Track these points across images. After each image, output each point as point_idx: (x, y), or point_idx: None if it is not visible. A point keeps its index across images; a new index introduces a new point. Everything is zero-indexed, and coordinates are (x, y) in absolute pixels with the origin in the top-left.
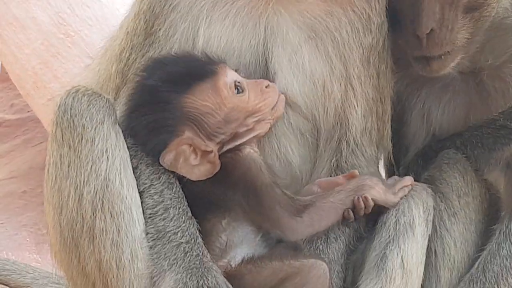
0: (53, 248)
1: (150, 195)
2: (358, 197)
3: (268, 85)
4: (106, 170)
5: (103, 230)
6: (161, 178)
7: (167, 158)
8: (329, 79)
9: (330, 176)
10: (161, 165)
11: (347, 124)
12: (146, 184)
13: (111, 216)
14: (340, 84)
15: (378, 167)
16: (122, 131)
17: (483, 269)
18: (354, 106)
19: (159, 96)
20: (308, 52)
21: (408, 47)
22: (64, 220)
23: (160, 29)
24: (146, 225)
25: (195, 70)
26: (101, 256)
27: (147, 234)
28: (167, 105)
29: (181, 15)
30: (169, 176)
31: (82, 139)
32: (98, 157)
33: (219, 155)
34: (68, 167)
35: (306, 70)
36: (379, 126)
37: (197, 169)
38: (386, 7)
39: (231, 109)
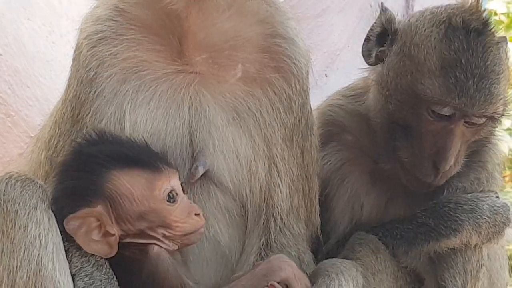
0: None
1: (81, 278)
2: (269, 285)
3: (198, 214)
4: (38, 255)
5: None
6: (90, 261)
7: (71, 223)
8: (253, 159)
9: (260, 255)
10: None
11: (273, 203)
12: (77, 266)
13: None
14: (264, 164)
15: (308, 244)
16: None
17: None
18: (279, 185)
19: (90, 165)
20: (232, 132)
21: (419, 172)
22: None
23: (86, 116)
24: None
25: (143, 157)
26: None
27: None
28: (93, 176)
29: (107, 100)
30: (98, 258)
31: (15, 224)
32: (31, 242)
33: (127, 246)
34: (1, 252)
35: (232, 150)
36: (306, 203)
37: (94, 244)
38: (389, 120)
39: (152, 210)
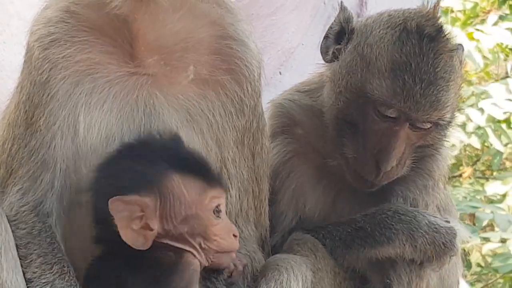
0: None
1: (40, 285)
2: None
3: (236, 236)
4: None
5: None
6: (53, 268)
7: (116, 204)
8: None
9: None
10: (54, 256)
11: None
12: (36, 273)
13: None
14: (216, 167)
15: (258, 244)
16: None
17: None
18: (229, 189)
19: (155, 157)
20: (186, 134)
21: (361, 169)
22: None
23: (40, 118)
24: None
25: (203, 167)
26: None
27: None
28: (154, 168)
29: (60, 103)
30: (63, 266)
31: None
32: None
33: (162, 247)
34: None
35: None
36: (256, 205)
37: (131, 232)
38: (337, 117)
39: (198, 216)
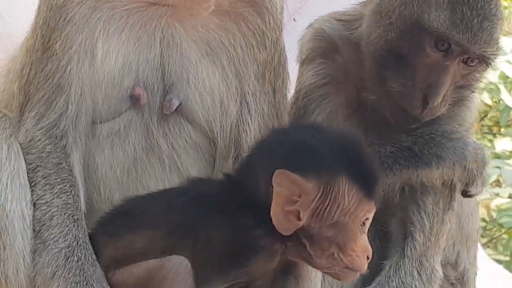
0: None
1: (39, 206)
2: None
3: (369, 259)
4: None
5: None
6: (54, 189)
7: (281, 177)
8: (226, 95)
9: None
10: (58, 176)
11: (242, 141)
12: (39, 195)
13: None
14: (236, 101)
15: None
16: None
17: None
18: (248, 123)
19: (336, 149)
20: (205, 67)
21: (407, 103)
22: None
23: (56, 42)
24: (34, 238)
25: (370, 177)
26: None
27: (36, 245)
28: (331, 160)
29: (77, 27)
30: (64, 185)
31: None
32: None
33: (297, 240)
34: None
35: (205, 86)
36: None
37: (279, 211)
38: (384, 49)
39: (347, 225)
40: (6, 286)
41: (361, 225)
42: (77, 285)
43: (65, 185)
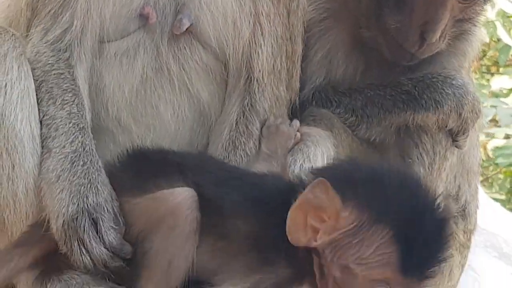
0: None
1: (45, 122)
2: None
3: None
4: (3, 105)
5: (0, 167)
6: (56, 102)
7: (321, 186)
8: (239, 16)
9: (240, 117)
10: (59, 88)
11: (253, 63)
12: (44, 111)
13: (7, 151)
14: (249, 22)
15: (287, 108)
16: None
17: None
18: (261, 45)
19: (393, 204)
20: None
21: (404, 40)
22: None
23: None
24: (42, 153)
25: (422, 256)
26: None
27: (42, 156)
28: (386, 209)
29: None
30: (66, 96)
31: None
32: None
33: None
34: None
35: (218, 6)
36: (288, 66)
37: (299, 219)
38: None
39: (357, 281)
40: (14, 206)
41: (371, 286)
42: (81, 187)
43: (67, 95)
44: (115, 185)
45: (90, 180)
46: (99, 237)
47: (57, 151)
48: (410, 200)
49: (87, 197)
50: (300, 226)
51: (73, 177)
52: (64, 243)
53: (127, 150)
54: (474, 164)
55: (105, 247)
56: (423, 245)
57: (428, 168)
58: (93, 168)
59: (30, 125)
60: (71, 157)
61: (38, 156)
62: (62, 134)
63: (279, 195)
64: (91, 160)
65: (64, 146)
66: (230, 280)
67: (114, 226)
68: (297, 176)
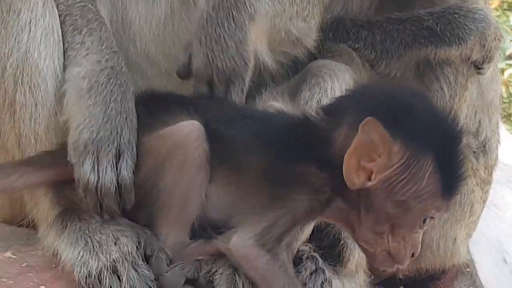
0: None
1: (71, 48)
2: None
3: (413, 257)
4: (27, 42)
5: (23, 105)
6: (82, 31)
7: (370, 125)
8: None
9: None
10: (84, 17)
11: None
12: (69, 41)
13: (30, 89)
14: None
15: None
16: None
17: None
18: None
19: (433, 133)
20: None
21: None
22: None
23: None
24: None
25: (456, 177)
26: (20, 131)
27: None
28: (428, 136)
29: None
30: (92, 25)
31: (9, 10)
32: (22, 29)
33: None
34: None
35: None
36: None
37: (353, 160)
38: None
39: (410, 212)
40: (35, 144)
41: (424, 219)
42: (118, 115)
43: (93, 24)
44: None
45: (126, 109)
46: (117, 167)
47: (90, 64)
48: (439, 123)
49: (122, 129)
50: (353, 169)
51: (110, 96)
52: (78, 154)
53: (140, 92)
54: (495, 98)
55: (116, 180)
56: (453, 165)
57: (449, 101)
58: (128, 95)
59: (54, 63)
60: (108, 72)
61: (58, 97)
62: (95, 53)
63: (292, 131)
64: (127, 84)
65: (99, 61)
66: (247, 221)
67: (133, 167)
68: (316, 111)
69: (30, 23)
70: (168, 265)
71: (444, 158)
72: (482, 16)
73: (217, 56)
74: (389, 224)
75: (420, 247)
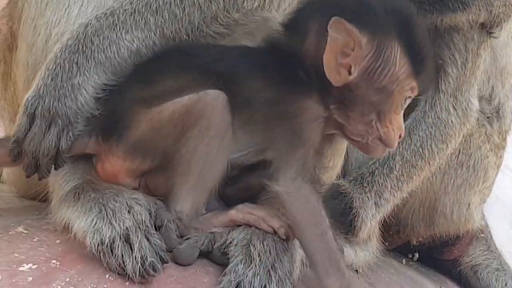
0: (17, 86)
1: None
2: None
3: (400, 138)
4: (77, 15)
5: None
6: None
7: (338, 25)
8: None
9: None
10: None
11: None
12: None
13: None
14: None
15: None
16: None
17: (409, 132)
18: None
19: (390, 17)
20: None
21: None
22: (32, 57)
23: None
24: None
25: (423, 54)
26: None
27: None
28: (387, 22)
29: None
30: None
31: None
32: (74, 2)
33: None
34: (46, 5)
35: None
36: None
37: (332, 60)
38: None
39: (391, 95)
40: None
41: (403, 99)
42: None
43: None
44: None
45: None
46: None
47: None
48: (396, 9)
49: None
50: (333, 68)
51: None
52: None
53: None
54: (508, 63)
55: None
56: (417, 44)
57: (461, 68)
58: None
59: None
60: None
61: None
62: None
63: (271, 58)
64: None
65: None
66: (282, 162)
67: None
68: (278, 31)
69: None
70: (178, 236)
71: (408, 40)
72: None
73: None
74: (375, 111)
75: (403, 126)
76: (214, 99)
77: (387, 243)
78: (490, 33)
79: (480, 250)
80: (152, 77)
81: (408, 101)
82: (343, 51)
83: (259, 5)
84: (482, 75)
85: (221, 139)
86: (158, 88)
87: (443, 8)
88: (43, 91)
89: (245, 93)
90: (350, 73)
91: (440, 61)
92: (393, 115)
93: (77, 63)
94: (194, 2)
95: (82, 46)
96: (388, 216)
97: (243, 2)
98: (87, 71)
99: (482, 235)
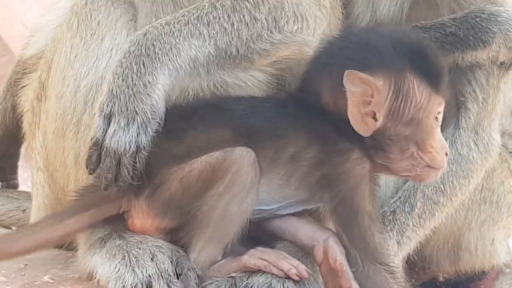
0: (46, 136)
1: None
2: None
3: (447, 155)
4: (105, 67)
5: (87, 126)
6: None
7: (352, 77)
8: None
9: None
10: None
11: None
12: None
13: None
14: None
15: None
16: None
17: None
18: None
19: (396, 42)
20: None
21: None
22: (60, 108)
23: None
24: None
25: (435, 71)
26: (79, 151)
27: None
28: (396, 57)
29: None
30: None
31: (94, 34)
32: (103, 54)
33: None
34: (75, 57)
35: None
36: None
37: (356, 112)
38: None
39: (422, 122)
40: None
41: (435, 119)
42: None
43: None
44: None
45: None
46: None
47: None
48: (399, 39)
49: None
50: (359, 120)
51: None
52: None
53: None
54: None
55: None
56: (429, 64)
57: (482, 103)
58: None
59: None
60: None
61: None
62: None
63: (302, 114)
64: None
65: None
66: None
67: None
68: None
69: (111, 50)
70: (197, 284)
71: (420, 63)
72: (505, 18)
73: None
74: (413, 144)
75: (445, 142)
76: (240, 156)
77: (413, 280)
78: (510, 70)
79: (506, 284)
80: (184, 133)
81: (440, 116)
82: (363, 100)
83: (298, 28)
84: (504, 110)
85: (244, 197)
86: (189, 143)
87: (464, 47)
88: (116, 92)
89: (289, 149)
90: (376, 119)
91: (462, 98)
92: (431, 139)
93: (143, 65)
94: (241, 19)
95: (146, 50)
96: (413, 253)
97: (284, 25)
98: (155, 71)
99: (508, 270)
